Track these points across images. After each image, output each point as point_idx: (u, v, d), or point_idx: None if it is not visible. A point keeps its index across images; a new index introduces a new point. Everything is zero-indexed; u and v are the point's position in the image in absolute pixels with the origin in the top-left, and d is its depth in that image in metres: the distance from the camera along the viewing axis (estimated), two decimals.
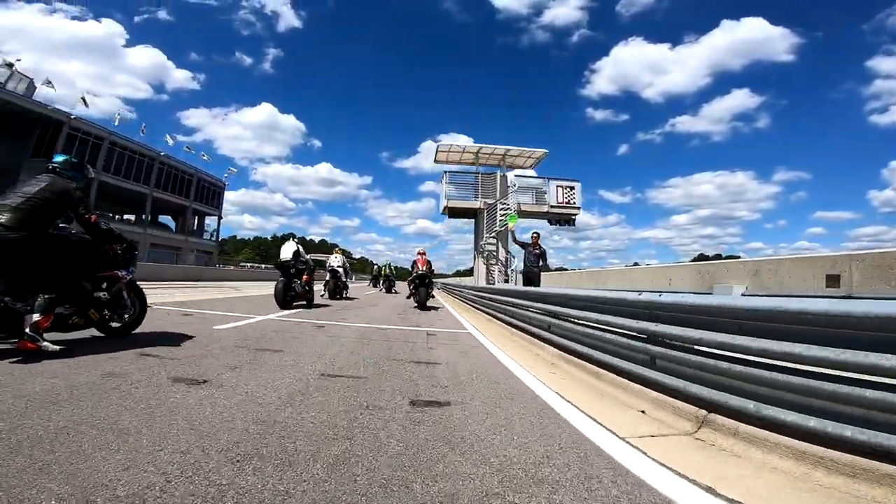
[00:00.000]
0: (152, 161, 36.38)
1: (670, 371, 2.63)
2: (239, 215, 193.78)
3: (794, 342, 1.85)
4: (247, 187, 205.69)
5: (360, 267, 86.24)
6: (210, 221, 47.86)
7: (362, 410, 2.33)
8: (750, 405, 2.09)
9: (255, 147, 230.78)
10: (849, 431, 1.70)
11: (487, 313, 8.21)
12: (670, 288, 5.62)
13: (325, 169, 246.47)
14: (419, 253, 11.08)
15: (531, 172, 18.70)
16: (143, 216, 37.21)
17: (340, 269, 12.53)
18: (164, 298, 8.54)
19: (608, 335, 3.29)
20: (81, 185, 3.50)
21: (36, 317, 2.98)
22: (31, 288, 3.03)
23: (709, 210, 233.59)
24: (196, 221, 45.29)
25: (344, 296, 13.04)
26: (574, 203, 17.67)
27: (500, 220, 15.69)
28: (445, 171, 18.16)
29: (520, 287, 7.47)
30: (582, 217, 18.55)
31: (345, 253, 15.42)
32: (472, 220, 18.87)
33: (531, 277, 8.98)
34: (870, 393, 1.63)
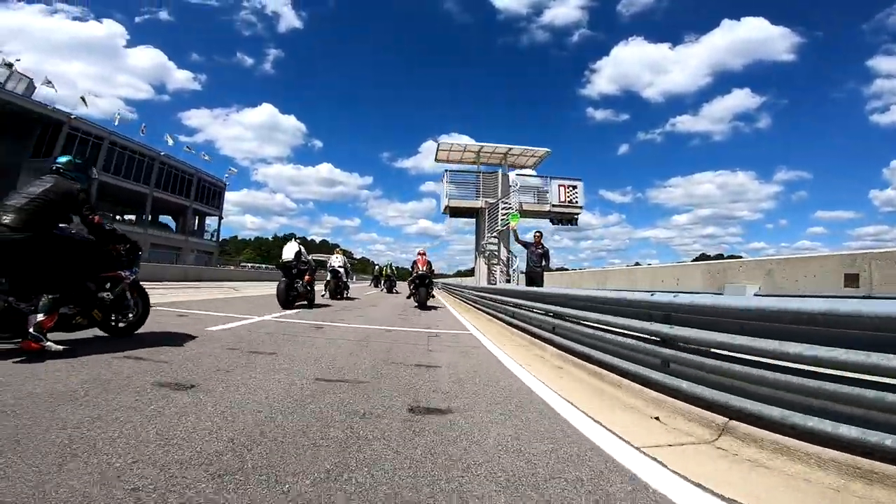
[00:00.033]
0: (152, 161, 36.30)
1: (686, 375, 2.47)
2: (240, 216, 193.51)
3: (833, 346, 1.68)
4: (248, 188, 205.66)
5: (361, 267, 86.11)
6: (211, 221, 47.87)
7: (358, 419, 2.17)
8: (775, 412, 1.94)
9: (257, 147, 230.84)
10: (889, 440, 1.55)
11: (489, 314, 8.06)
12: (678, 288, 5.45)
13: (325, 169, 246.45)
14: (419, 253, 11.11)
15: (532, 172, 18.51)
16: (144, 216, 37.12)
17: (341, 270, 12.51)
18: (160, 299, 8.40)
19: (617, 337, 3.14)
20: (85, 185, 3.51)
21: (40, 317, 2.95)
22: (35, 288, 3.02)
23: (710, 210, 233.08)
24: (196, 221, 45.23)
25: (345, 296, 13.02)
26: (576, 202, 17.49)
27: (502, 220, 15.50)
28: (446, 170, 17.97)
29: (522, 287, 7.32)
30: (583, 217, 18.41)
31: (346, 253, 15.48)
32: (474, 219, 18.70)
33: (534, 277, 8.81)
34: None
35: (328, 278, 12.32)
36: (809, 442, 1.83)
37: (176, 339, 3.92)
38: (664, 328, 2.59)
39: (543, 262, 8.84)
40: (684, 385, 2.45)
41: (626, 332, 3.08)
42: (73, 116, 28.94)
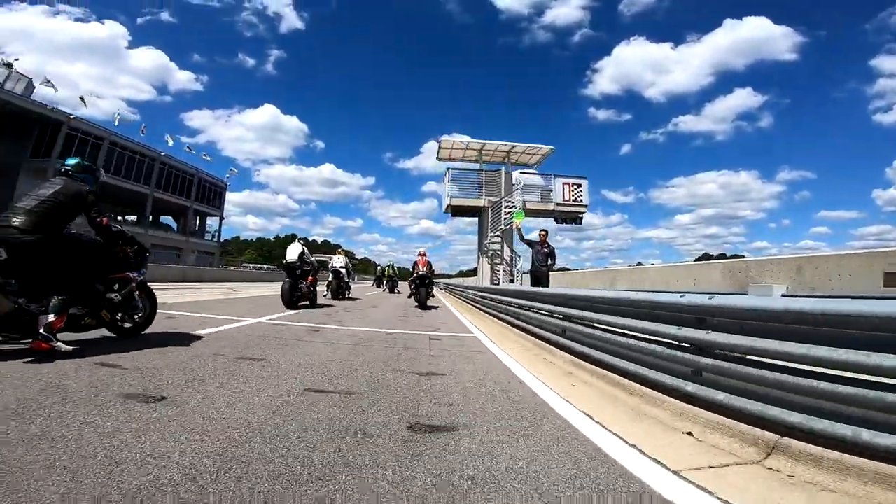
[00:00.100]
0: (153, 161, 36.10)
1: (723, 386, 2.18)
2: (242, 216, 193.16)
3: None
4: (250, 188, 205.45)
5: (362, 267, 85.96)
6: (212, 222, 47.63)
7: (349, 439, 1.87)
8: (845, 429, 1.64)
9: (258, 148, 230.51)
10: None
11: (492, 315, 7.77)
12: (696, 288, 5.13)
13: (327, 170, 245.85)
14: (420, 254, 11.25)
15: (535, 172, 18.15)
16: (145, 217, 36.93)
17: (343, 270, 12.50)
18: None
19: (637, 343, 2.84)
20: (94, 187, 3.53)
21: (50, 317, 2.95)
22: (45, 289, 3.03)
23: (712, 209, 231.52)
24: (197, 222, 45.02)
25: (347, 296, 12.97)
26: (581, 200, 17.17)
27: (506, 219, 15.18)
28: (448, 169, 17.66)
29: (528, 288, 7.01)
30: (585, 217, 18.07)
31: (347, 254, 15.56)
32: (476, 218, 18.42)
33: (539, 277, 8.50)
34: None
35: (330, 279, 12.29)
36: (886, 462, 1.53)
37: (157, 344, 3.63)
38: (697, 333, 2.29)
39: (549, 262, 8.52)
40: (721, 397, 2.15)
41: (647, 336, 2.78)
42: (72, 116, 28.75)
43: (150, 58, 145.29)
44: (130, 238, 3.78)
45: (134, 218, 37.53)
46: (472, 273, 23.65)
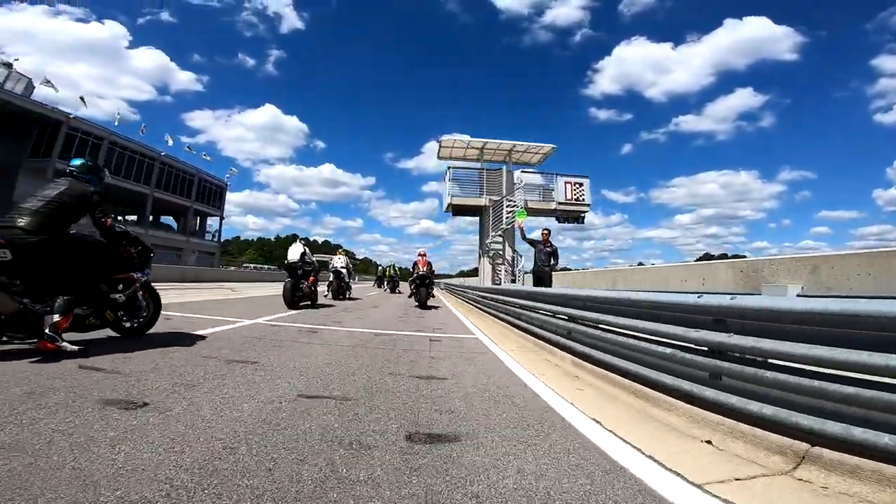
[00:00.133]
0: (153, 161, 36.01)
1: (745, 392, 2.04)
2: (243, 216, 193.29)
3: None
4: (251, 189, 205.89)
5: (363, 267, 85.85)
6: (212, 222, 47.53)
7: (342, 450, 1.73)
8: (885, 438, 1.49)
9: (259, 148, 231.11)
10: None
11: (493, 315, 7.62)
12: (704, 288, 4.97)
13: (328, 170, 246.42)
14: (420, 254, 11.36)
15: (536, 171, 17.96)
16: (145, 217, 36.82)
17: (344, 270, 12.51)
18: None
19: (648, 345, 2.69)
20: (98, 188, 3.53)
21: (55, 318, 2.97)
22: (51, 289, 3.04)
23: (713, 209, 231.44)
24: (198, 222, 44.92)
25: (347, 296, 12.93)
26: (583, 200, 17.00)
27: (507, 218, 15.03)
28: (449, 168, 17.48)
29: (531, 288, 6.86)
30: (587, 216, 17.90)
31: (348, 254, 15.56)
32: (477, 218, 18.27)
33: (542, 277, 8.35)
34: None
35: (331, 279, 12.29)
36: None
37: (147, 346, 3.49)
38: (716, 336, 2.14)
39: (552, 262, 8.37)
40: (743, 404, 2.01)
41: (658, 339, 2.63)
42: (72, 116, 28.65)
43: (151, 58, 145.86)
44: (134, 238, 3.78)
45: (134, 218, 37.39)
46: (473, 273, 23.51)
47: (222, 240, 54.19)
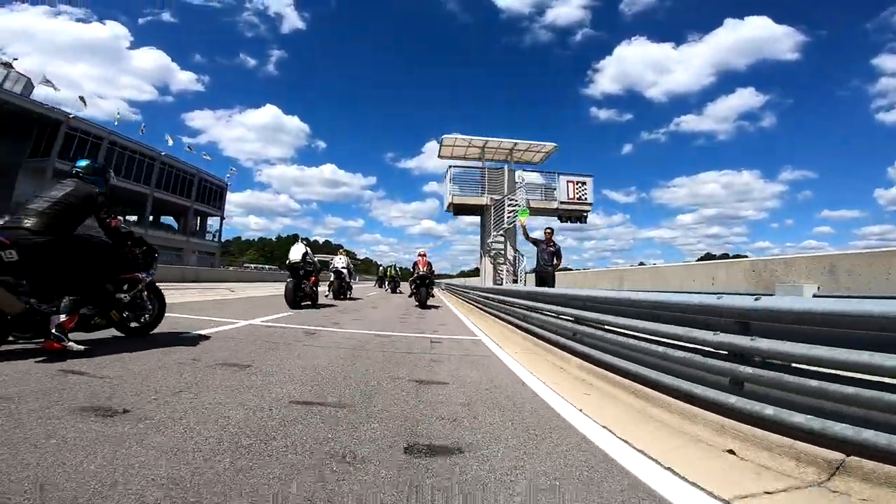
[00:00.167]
0: (153, 161, 35.94)
1: (771, 399, 1.89)
2: (244, 216, 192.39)
3: None
4: (252, 189, 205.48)
5: (364, 268, 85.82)
6: (213, 222, 47.46)
7: (335, 464, 1.59)
8: None
9: (260, 148, 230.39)
10: None
11: (495, 316, 7.48)
12: (715, 288, 4.82)
13: (329, 170, 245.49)
14: (420, 255, 11.54)
15: (536, 174, 17.75)
16: (145, 217, 36.75)
17: (345, 270, 12.54)
18: None
19: (661, 349, 2.54)
20: (104, 189, 3.56)
21: (61, 317, 2.97)
22: (57, 290, 3.05)
23: (714, 209, 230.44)
24: (198, 222, 44.86)
25: (348, 296, 12.95)
26: (586, 199, 16.83)
27: (509, 217, 14.87)
28: (450, 167, 17.30)
29: (534, 288, 6.72)
30: (589, 216, 17.74)
31: (349, 254, 15.72)
32: (478, 217, 18.10)
33: (545, 277, 8.20)
34: None
35: (332, 279, 12.30)
36: None
37: (135, 349, 3.35)
38: (739, 339, 1.99)
39: (555, 261, 8.22)
40: (769, 411, 1.87)
41: (673, 342, 2.48)
42: (71, 116, 28.58)
43: (152, 58, 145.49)
44: (139, 239, 3.81)
45: (134, 218, 37.34)
46: (474, 273, 23.37)
47: (223, 240, 54.18)
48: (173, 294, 10.17)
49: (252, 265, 62.60)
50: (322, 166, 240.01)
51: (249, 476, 1.44)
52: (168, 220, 44.41)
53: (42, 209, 3.06)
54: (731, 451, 1.95)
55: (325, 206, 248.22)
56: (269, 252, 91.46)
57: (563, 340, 4.03)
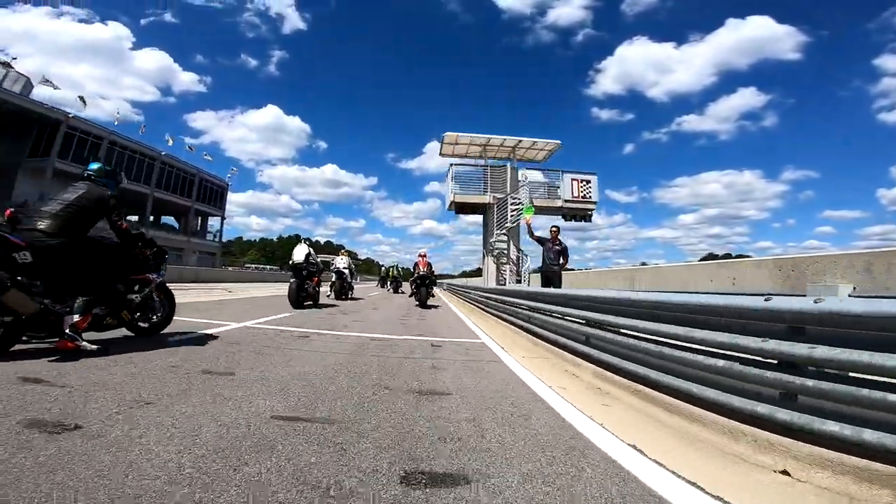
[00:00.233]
0: (153, 161, 35.71)
1: (834, 414, 1.61)
2: (246, 217, 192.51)
3: None
4: (253, 189, 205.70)
5: (365, 268, 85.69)
6: (213, 222, 47.23)
7: (318, 498, 1.30)
8: None
9: (262, 149, 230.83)
10: None
11: (498, 317, 7.19)
12: (735, 289, 4.52)
13: (330, 170, 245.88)
14: (420, 255, 11.70)
15: (539, 173, 17.40)
16: (146, 217, 36.53)
17: (346, 271, 12.57)
18: None
19: (691, 356, 2.25)
20: (115, 192, 3.60)
21: (75, 318, 3.02)
22: (70, 290, 3.10)
23: (716, 209, 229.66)
24: (199, 222, 44.64)
25: (349, 296, 12.94)
26: (590, 197, 16.49)
27: (512, 216, 14.56)
28: (452, 165, 16.96)
29: (541, 289, 6.43)
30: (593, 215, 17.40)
31: (350, 254, 15.39)
32: (480, 217, 17.80)
33: (551, 277, 7.89)
34: None
35: (333, 279, 12.33)
36: None
37: (109, 353, 3.08)
38: (792, 347, 1.70)
39: (561, 260, 7.92)
40: (832, 427, 1.59)
41: (705, 348, 2.19)
42: (71, 115, 28.38)
43: (154, 59, 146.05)
44: (149, 240, 3.86)
45: (135, 218, 37.11)
46: (475, 273, 23.07)
47: (225, 240, 53.98)
48: (184, 294, 9.91)
49: (253, 265, 62.48)
50: (323, 167, 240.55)
51: None
52: (169, 220, 44.24)
53: (55, 211, 3.10)
54: (784, 472, 1.68)
55: (327, 206, 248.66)
56: (271, 252, 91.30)
57: (573, 344, 3.74)
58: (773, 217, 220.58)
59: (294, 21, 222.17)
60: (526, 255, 14.70)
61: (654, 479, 1.61)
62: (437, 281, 29.42)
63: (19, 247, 2.83)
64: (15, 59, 28.08)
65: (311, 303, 8.99)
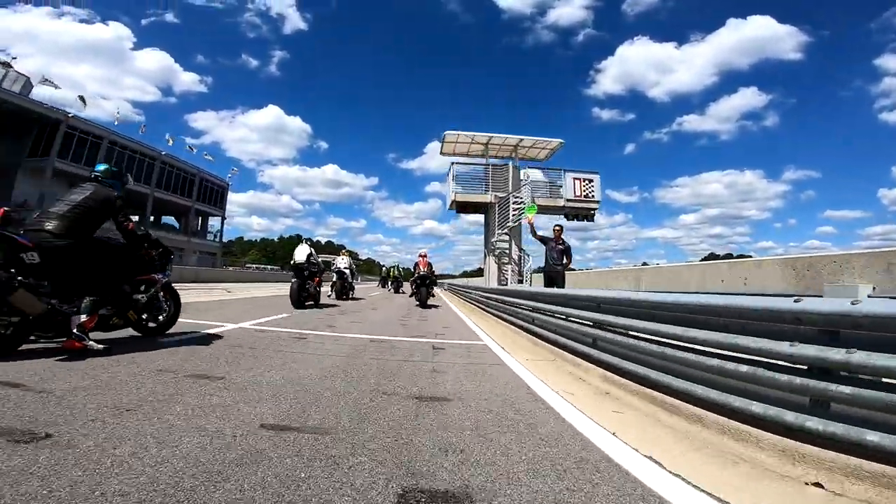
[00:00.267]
0: (153, 161, 35.61)
1: (872, 423, 1.46)
2: (247, 217, 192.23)
3: None
4: (254, 189, 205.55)
5: (366, 268, 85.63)
6: (214, 222, 47.14)
7: None
8: None
9: (263, 149, 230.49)
10: None
11: (500, 317, 7.06)
12: (746, 290, 4.37)
13: (331, 170, 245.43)
14: (420, 255, 11.83)
15: (539, 173, 17.23)
16: (146, 217, 36.44)
17: (347, 271, 12.63)
18: None
19: (706, 360, 2.11)
20: (122, 193, 3.62)
21: (82, 318, 3.02)
22: (77, 291, 3.11)
23: (717, 209, 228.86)
24: (199, 222, 44.55)
25: (350, 296, 12.95)
26: (593, 196, 16.33)
27: (514, 216, 14.41)
28: (453, 163, 16.79)
29: (544, 289, 6.29)
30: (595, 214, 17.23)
31: (351, 254, 15.44)
32: (482, 216, 17.64)
33: (554, 277, 7.74)
34: None
35: (334, 279, 12.35)
36: None
37: (97, 355, 2.95)
38: (827, 352, 1.56)
39: (564, 260, 7.77)
40: (872, 437, 1.45)
41: (724, 353, 2.05)
42: (71, 115, 28.29)
43: (155, 59, 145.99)
44: (155, 241, 3.90)
45: (135, 218, 36.93)
46: (476, 273, 22.94)
47: (226, 240, 53.93)
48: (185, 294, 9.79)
49: (254, 265, 62.44)
50: (324, 167, 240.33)
51: None
52: (169, 220, 44.14)
53: (62, 212, 3.12)
54: (817, 484, 1.55)
55: (328, 206, 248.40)
56: (272, 252, 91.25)
57: (579, 347, 3.60)
58: (775, 217, 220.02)
59: (295, 21, 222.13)
60: (528, 255, 14.57)
61: (675, 495, 1.47)
62: (438, 281, 29.35)
63: (27, 247, 2.85)
64: (14, 58, 28.01)
65: (312, 303, 8.97)
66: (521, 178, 15.82)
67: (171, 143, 38.12)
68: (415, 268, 11.96)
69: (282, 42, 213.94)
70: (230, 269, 39.47)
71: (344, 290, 12.46)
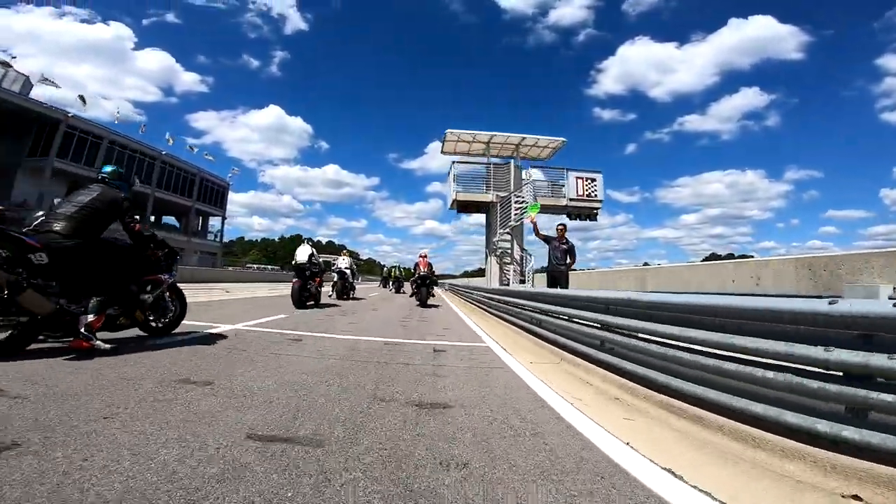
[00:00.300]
0: (153, 161, 35.48)
1: None
2: (248, 217, 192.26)
3: None
4: (255, 189, 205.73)
5: (367, 268, 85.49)
6: (214, 222, 47.03)
7: None
8: None
9: (264, 149, 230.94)
10: None
11: (502, 319, 6.91)
12: (759, 290, 4.21)
13: (332, 170, 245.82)
14: (421, 255, 11.89)
15: (540, 174, 17.06)
16: (146, 217, 36.33)
17: (347, 271, 12.66)
18: None
19: (736, 367, 1.97)
20: (128, 194, 3.63)
21: (90, 317, 3.05)
22: (85, 291, 3.13)
23: (718, 209, 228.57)
24: (200, 222, 44.43)
25: (351, 296, 12.97)
26: (595, 196, 16.15)
27: (516, 215, 14.25)
28: (454, 162, 16.61)
29: (548, 290, 6.14)
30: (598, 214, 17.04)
31: (352, 254, 15.86)
32: (483, 216, 17.46)
33: (557, 277, 7.59)
34: None
35: (335, 279, 12.35)
36: None
37: (80, 358, 2.82)
38: (863, 357, 1.42)
39: (568, 260, 7.63)
40: None
41: (749, 357, 1.91)
42: (70, 115, 28.18)
43: (156, 59, 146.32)
44: (161, 242, 3.93)
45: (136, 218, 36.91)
46: (477, 273, 22.78)
47: (227, 240, 53.85)
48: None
49: (254, 265, 62.33)
50: (325, 167, 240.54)
51: None
52: (170, 220, 44.02)
53: (70, 213, 3.14)
54: (856, 497, 1.41)
55: (329, 206, 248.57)
56: (272, 253, 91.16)
57: (585, 349, 3.46)
58: (777, 217, 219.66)
59: (296, 21, 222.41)
60: (530, 255, 14.40)
61: None
62: (439, 281, 29.22)
63: (35, 248, 2.86)
64: (14, 58, 27.90)
65: (312, 303, 8.93)
66: (523, 177, 15.66)
67: (171, 142, 38.00)
68: (415, 268, 11.99)
69: (283, 42, 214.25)
70: (230, 269, 39.32)
71: (345, 290, 12.45)
